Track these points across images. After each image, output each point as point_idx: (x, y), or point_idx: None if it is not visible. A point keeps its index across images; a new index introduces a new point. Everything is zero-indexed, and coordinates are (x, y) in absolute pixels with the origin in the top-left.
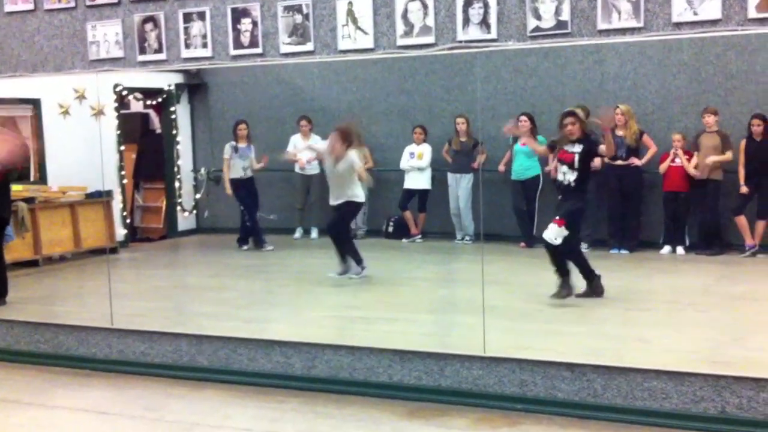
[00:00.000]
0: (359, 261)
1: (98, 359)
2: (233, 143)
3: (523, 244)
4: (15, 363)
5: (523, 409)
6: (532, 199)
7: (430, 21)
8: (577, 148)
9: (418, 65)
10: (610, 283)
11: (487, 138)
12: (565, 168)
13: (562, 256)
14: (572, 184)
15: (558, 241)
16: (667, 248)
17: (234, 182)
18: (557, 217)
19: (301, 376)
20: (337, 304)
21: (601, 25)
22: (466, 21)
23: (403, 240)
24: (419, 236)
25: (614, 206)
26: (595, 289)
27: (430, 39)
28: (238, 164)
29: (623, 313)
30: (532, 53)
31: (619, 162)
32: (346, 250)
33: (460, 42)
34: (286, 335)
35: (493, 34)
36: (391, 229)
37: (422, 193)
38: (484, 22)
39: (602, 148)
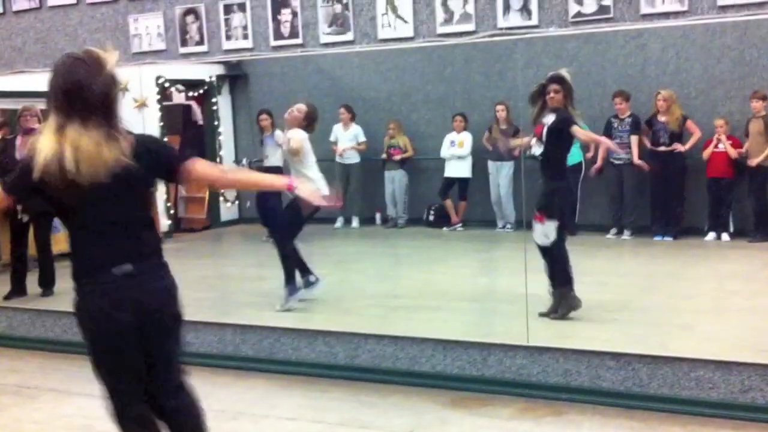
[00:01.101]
0: (305, 271)
1: None
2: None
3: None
4: (64, 353)
5: (568, 398)
6: (575, 185)
7: (470, 8)
8: (549, 119)
9: (458, 53)
10: (655, 269)
11: (528, 125)
12: (534, 141)
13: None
14: (541, 159)
15: (549, 240)
16: (711, 235)
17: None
18: (535, 212)
19: (344, 365)
20: (379, 293)
21: (645, 10)
22: (507, 7)
23: (444, 228)
24: (460, 224)
25: (657, 192)
26: (568, 301)
27: (470, 26)
28: (263, 153)
29: (667, 301)
30: (573, 39)
31: (663, 148)
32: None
33: (501, 29)
34: (328, 325)
35: (534, 21)
36: (431, 217)
37: (463, 182)
38: (525, 8)
39: (578, 130)
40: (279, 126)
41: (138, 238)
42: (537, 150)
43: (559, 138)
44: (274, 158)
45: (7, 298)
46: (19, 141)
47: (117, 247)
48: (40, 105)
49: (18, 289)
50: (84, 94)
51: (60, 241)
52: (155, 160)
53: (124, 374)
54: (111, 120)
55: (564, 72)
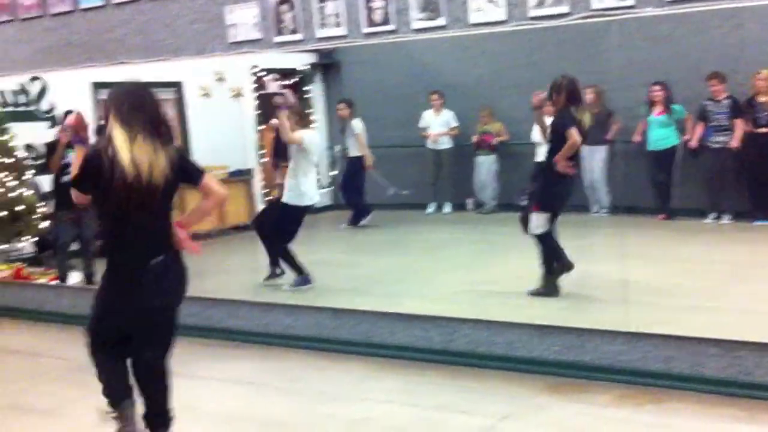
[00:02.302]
0: (299, 271)
1: (245, 331)
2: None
3: (661, 216)
4: None
5: (668, 385)
6: (669, 169)
7: None
8: (550, 120)
9: (549, 36)
10: (756, 255)
11: (621, 108)
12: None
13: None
14: (547, 155)
15: (540, 230)
16: None
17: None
18: (534, 204)
19: (440, 349)
20: (472, 278)
21: None
22: None
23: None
24: None
25: (756, 176)
26: (548, 286)
27: (564, 8)
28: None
29: None
30: (667, 19)
31: (763, 129)
32: (278, 254)
33: (595, 10)
34: (423, 309)
35: (630, 1)
36: (523, 202)
37: None
38: None
39: (571, 134)
40: (364, 113)
41: (166, 235)
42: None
43: (557, 137)
44: (352, 147)
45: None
46: None
47: (152, 241)
48: None
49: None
50: (146, 113)
51: None
52: (185, 173)
53: (109, 335)
54: (160, 136)
55: (561, 77)
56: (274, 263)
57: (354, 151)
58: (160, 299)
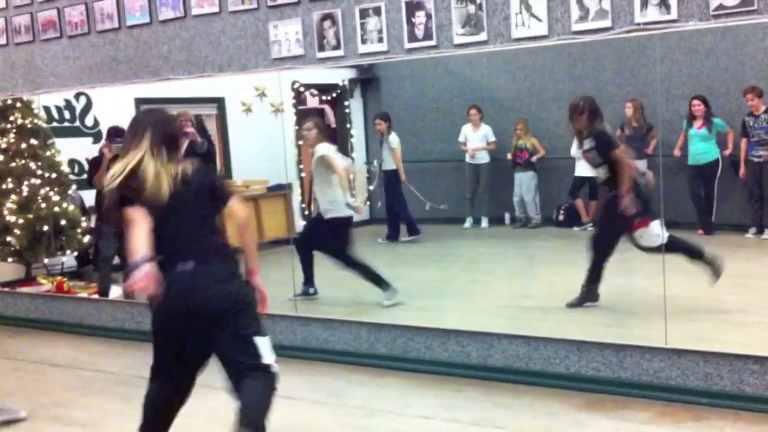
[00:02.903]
0: (310, 282)
1: (284, 345)
2: (379, 138)
3: (701, 231)
4: None
5: (708, 403)
6: (711, 184)
7: (606, 4)
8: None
9: (589, 50)
10: None
11: (662, 122)
12: None
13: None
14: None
15: (661, 239)
16: None
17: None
18: (636, 220)
19: (477, 365)
20: (510, 293)
21: None
22: (644, 2)
23: (575, 228)
24: (591, 224)
25: None
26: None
27: (606, 23)
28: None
29: None
30: (709, 32)
31: None
32: (363, 278)
33: (638, 24)
34: (460, 324)
35: (673, 15)
36: (561, 217)
37: (593, 181)
38: (664, 3)
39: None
40: (402, 128)
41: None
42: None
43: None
44: (388, 161)
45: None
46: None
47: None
48: (191, 110)
49: None
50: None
51: None
52: (212, 191)
53: (162, 348)
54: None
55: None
56: (308, 281)
57: (390, 165)
58: (191, 305)
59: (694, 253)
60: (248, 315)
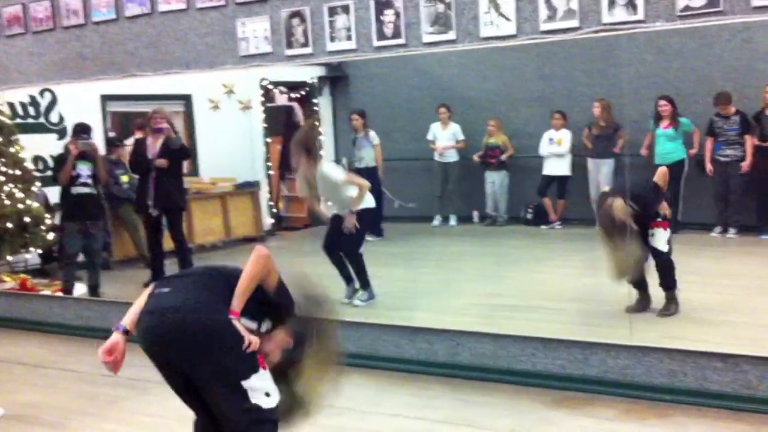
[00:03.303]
0: (367, 284)
1: None
2: (353, 135)
3: None
4: None
5: (673, 400)
6: (677, 183)
7: (574, 4)
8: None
9: (558, 50)
10: (763, 269)
11: (630, 122)
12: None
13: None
14: None
15: (669, 246)
16: None
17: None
18: (658, 219)
19: (445, 363)
20: (479, 291)
21: (756, 2)
22: (612, 3)
23: (543, 226)
24: (558, 223)
25: (764, 190)
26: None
27: (574, 23)
28: (357, 155)
29: None
30: (677, 33)
31: None
32: (356, 272)
33: (606, 24)
34: (428, 323)
35: (640, 15)
36: (530, 215)
37: (562, 180)
38: (631, 3)
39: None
40: (380, 127)
41: None
42: None
43: None
44: (368, 159)
45: (146, 285)
46: (150, 140)
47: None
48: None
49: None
50: None
51: (168, 238)
52: None
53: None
54: None
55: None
56: (349, 280)
57: (370, 162)
58: (155, 334)
59: (672, 282)
60: (230, 353)
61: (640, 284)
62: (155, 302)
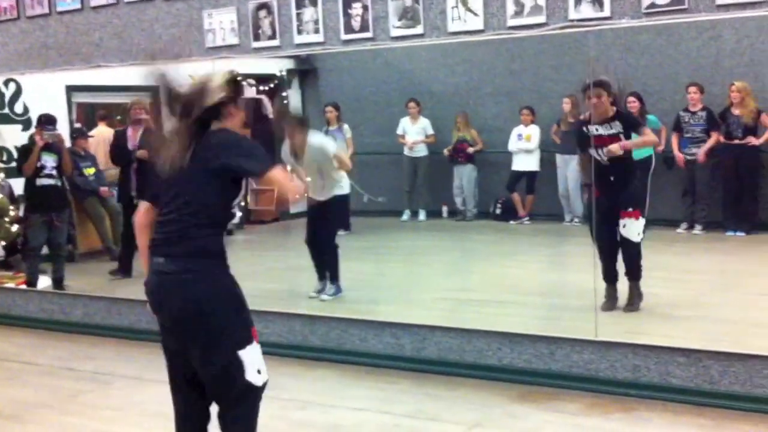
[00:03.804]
0: (336, 277)
1: None
2: (325, 127)
3: None
4: (138, 341)
5: (636, 394)
6: (644, 179)
7: (541, 0)
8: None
9: (527, 45)
10: (727, 265)
11: None
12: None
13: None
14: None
15: (641, 236)
16: None
17: None
18: (629, 209)
19: (411, 357)
20: (446, 286)
21: (720, 0)
22: None
23: (511, 222)
24: (527, 218)
25: (730, 187)
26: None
27: (541, 18)
28: None
29: (740, 297)
30: (644, 30)
31: (736, 141)
32: (328, 263)
33: (572, 20)
34: (395, 317)
35: (607, 12)
36: (498, 210)
37: (530, 175)
38: (597, 0)
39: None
40: (348, 121)
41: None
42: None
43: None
44: (344, 152)
45: (112, 273)
46: (130, 132)
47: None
48: (118, 99)
49: (125, 269)
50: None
51: None
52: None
53: (167, 357)
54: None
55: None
56: (322, 277)
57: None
58: (157, 307)
59: (638, 273)
60: (225, 322)
61: (611, 276)
62: (152, 276)
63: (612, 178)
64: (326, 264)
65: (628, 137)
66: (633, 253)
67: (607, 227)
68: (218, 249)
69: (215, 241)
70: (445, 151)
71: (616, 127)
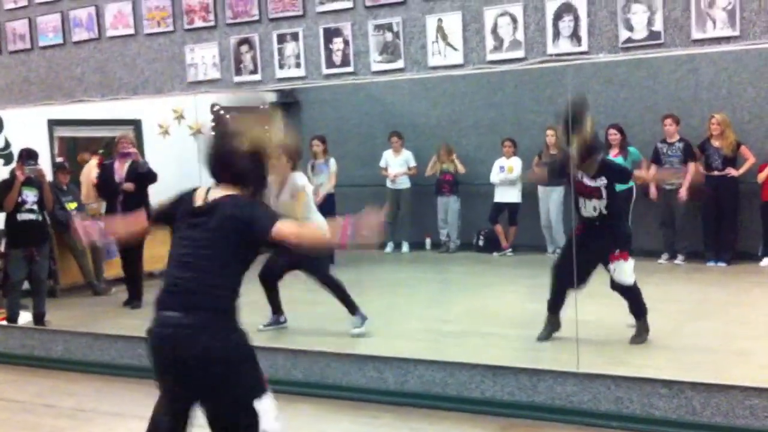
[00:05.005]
0: (354, 308)
1: None
2: (311, 161)
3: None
4: (120, 377)
5: (619, 426)
6: (626, 211)
7: (520, 35)
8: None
9: (508, 78)
10: (708, 295)
11: None
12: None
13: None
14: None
15: (632, 278)
16: (766, 260)
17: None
18: (617, 251)
19: (394, 390)
20: (428, 318)
21: (696, 35)
22: (557, 34)
23: (494, 253)
24: (510, 250)
25: (710, 217)
26: (647, 326)
27: (520, 53)
28: (314, 181)
29: (721, 327)
30: (623, 64)
31: (715, 172)
32: (339, 299)
33: (551, 55)
34: (378, 350)
35: (584, 47)
36: (481, 242)
37: (512, 207)
38: (575, 35)
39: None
40: (331, 153)
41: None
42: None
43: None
44: (327, 185)
45: (126, 304)
46: (116, 165)
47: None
48: (100, 133)
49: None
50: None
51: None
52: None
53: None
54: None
55: None
56: (276, 309)
57: (328, 188)
58: (170, 360)
59: (642, 310)
60: (241, 375)
61: (555, 307)
62: (164, 330)
63: (597, 223)
64: (338, 298)
65: (611, 189)
66: (631, 295)
67: (586, 267)
68: (233, 304)
69: (232, 297)
70: (431, 172)
71: (600, 182)
